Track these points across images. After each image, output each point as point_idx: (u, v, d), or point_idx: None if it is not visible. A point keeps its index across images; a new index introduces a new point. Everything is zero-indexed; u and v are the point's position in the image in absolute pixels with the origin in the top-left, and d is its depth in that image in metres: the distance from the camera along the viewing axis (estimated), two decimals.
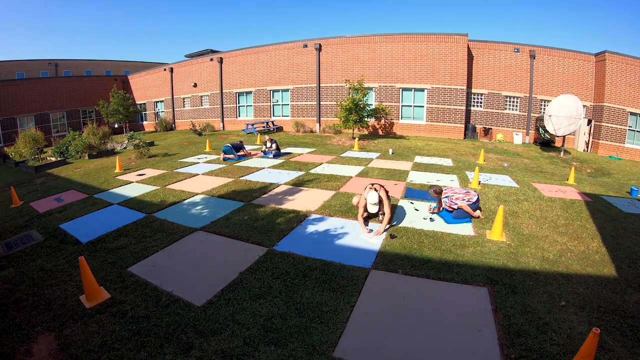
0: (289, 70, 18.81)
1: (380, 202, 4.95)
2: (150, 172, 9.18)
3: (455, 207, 5.24)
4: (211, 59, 21.46)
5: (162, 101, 25.02)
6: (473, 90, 16.58)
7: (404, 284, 3.56)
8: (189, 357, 2.61)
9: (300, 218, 5.39)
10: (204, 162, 10.32)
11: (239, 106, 21.16)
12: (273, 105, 19.85)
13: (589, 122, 15.67)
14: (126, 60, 37.04)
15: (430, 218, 5.36)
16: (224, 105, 21.45)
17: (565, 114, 13.51)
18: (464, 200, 5.23)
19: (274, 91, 19.61)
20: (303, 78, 18.45)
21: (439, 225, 5.05)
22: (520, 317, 3.01)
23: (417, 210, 5.72)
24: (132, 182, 8.23)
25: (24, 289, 3.67)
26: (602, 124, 15.09)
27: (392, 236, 4.62)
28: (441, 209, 5.50)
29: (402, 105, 16.94)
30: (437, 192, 5.44)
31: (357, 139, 13.91)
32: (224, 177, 8.27)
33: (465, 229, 4.91)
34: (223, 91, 21.29)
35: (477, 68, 16.38)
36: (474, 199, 5.26)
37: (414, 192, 6.68)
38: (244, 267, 3.94)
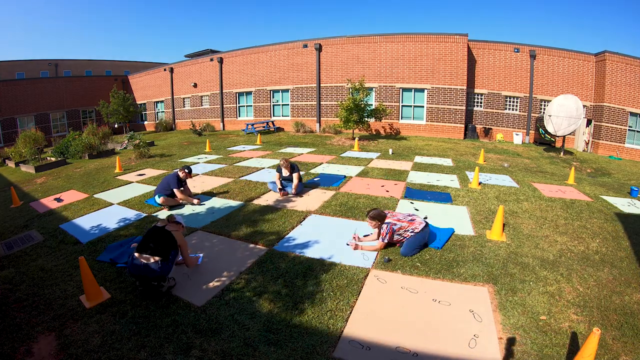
0: (289, 70, 18.81)
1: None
2: (150, 172, 9.18)
3: (392, 236, 4.17)
4: (211, 59, 21.46)
5: (162, 101, 25.02)
6: (473, 90, 16.58)
7: (404, 284, 3.56)
8: (189, 357, 2.61)
9: (300, 218, 5.39)
10: (204, 162, 10.32)
11: (239, 106, 21.16)
12: (273, 105, 19.85)
13: (589, 122, 15.67)
14: (126, 60, 37.08)
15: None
16: (224, 105, 21.45)
17: (565, 114, 13.51)
18: (407, 230, 4.14)
19: (274, 91, 19.61)
20: (303, 78, 18.45)
21: (438, 225, 5.04)
22: (520, 317, 3.01)
23: (417, 210, 5.72)
24: (132, 182, 8.23)
25: (24, 289, 3.67)
26: (602, 124, 15.09)
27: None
28: (381, 237, 4.21)
29: (402, 105, 16.94)
30: (374, 218, 4.20)
31: (357, 139, 13.91)
32: (224, 177, 8.27)
33: (465, 229, 4.91)
34: (223, 91, 21.29)
35: (477, 68, 16.38)
36: (420, 228, 4.15)
37: (414, 192, 6.68)
38: (244, 267, 3.94)
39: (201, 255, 4.21)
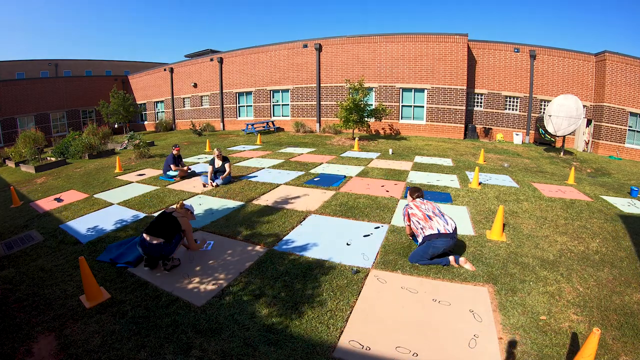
0: (289, 70, 18.80)
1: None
2: (150, 172, 9.18)
3: (410, 220, 4.07)
4: (211, 59, 21.46)
5: (162, 101, 25.02)
6: (473, 90, 16.58)
7: (404, 284, 3.56)
8: (189, 357, 2.60)
9: (300, 218, 5.39)
10: (204, 162, 10.31)
11: (239, 106, 21.16)
12: (273, 105, 19.85)
13: (589, 122, 15.67)
14: (126, 60, 37.09)
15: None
16: (224, 105, 21.45)
17: (565, 114, 13.51)
18: (419, 222, 4.00)
19: (274, 91, 19.61)
20: (303, 78, 18.45)
21: None
22: (520, 317, 3.01)
23: None
24: (132, 182, 8.23)
25: (24, 289, 3.67)
26: (602, 124, 15.09)
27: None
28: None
29: (402, 105, 16.94)
30: (410, 191, 4.33)
31: (357, 139, 13.92)
32: None
33: (465, 229, 4.91)
34: (223, 91, 21.29)
35: (477, 68, 16.38)
36: (429, 232, 3.85)
37: None
38: (244, 267, 3.94)
39: (211, 242, 4.26)
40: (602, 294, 3.38)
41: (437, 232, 3.79)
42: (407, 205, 4.21)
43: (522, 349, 2.64)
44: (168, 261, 3.91)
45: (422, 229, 3.89)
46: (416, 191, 4.33)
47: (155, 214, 5.82)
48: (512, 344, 2.68)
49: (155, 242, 3.75)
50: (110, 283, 3.70)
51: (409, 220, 4.09)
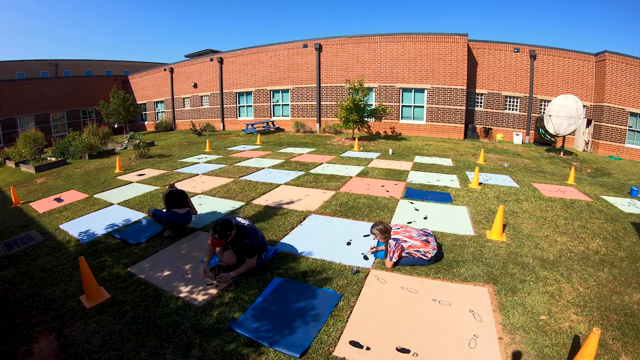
0: (289, 70, 18.81)
1: None
2: (150, 172, 9.18)
3: (401, 254, 3.80)
4: (211, 59, 21.46)
5: (162, 101, 25.02)
6: (473, 90, 16.58)
7: (404, 284, 3.56)
8: (189, 357, 2.60)
9: (300, 218, 5.39)
10: (204, 162, 10.32)
11: (239, 106, 21.16)
12: (273, 105, 19.85)
13: (589, 122, 15.67)
14: (126, 60, 37.12)
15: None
16: (224, 106, 21.45)
17: (565, 114, 13.51)
18: (418, 251, 3.79)
19: (274, 91, 19.61)
20: (303, 78, 18.45)
21: (438, 225, 5.05)
22: (520, 317, 3.01)
23: (417, 210, 5.72)
24: (132, 182, 8.23)
25: (24, 289, 3.67)
26: (602, 124, 15.09)
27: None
28: (389, 256, 3.82)
29: (402, 106, 16.94)
30: (382, 232, 3.86)
31: (357, 139, 13.92)
32: (224, 177, 8.27)
33: (465, 229, 4.91)
34: (223, 91, 21.29)
35: (478, 68, 16.38)
36: (432, 254, 3.80)
37: (414, 192, 6.69)
38: None
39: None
40: (602, 294, 3.38)
41: (436, 249, 3.88)
42: (395, 239, 3.79)
43: (522, 349, 2.64)
44: (188, 225, 5.03)
45: (424, 254, 3.80)
46: (385, 227, 3.89)
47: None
48: (512, 345, 2.68)
49: (184, 211, 4.78)
50: (110, 283, 3.70)
51: (399, 254, 3.79)
